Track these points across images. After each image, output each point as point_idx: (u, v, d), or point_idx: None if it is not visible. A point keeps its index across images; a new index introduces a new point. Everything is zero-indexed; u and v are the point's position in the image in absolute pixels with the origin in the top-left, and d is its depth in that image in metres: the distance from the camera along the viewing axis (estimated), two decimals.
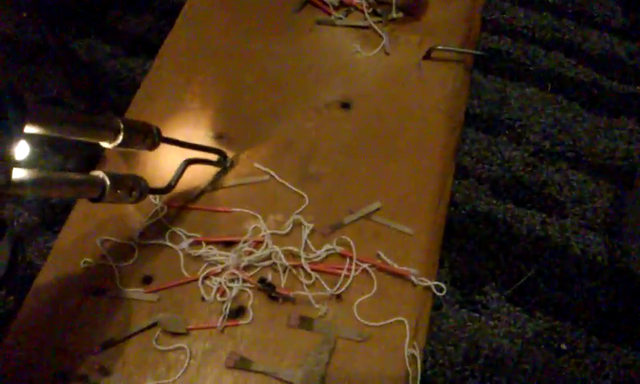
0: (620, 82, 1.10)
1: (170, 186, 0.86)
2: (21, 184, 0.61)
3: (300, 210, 0.89)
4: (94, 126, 0.71)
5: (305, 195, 0.91)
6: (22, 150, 0.60)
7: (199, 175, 0.93)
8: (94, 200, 0.74)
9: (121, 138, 0.73)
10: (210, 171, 0.93)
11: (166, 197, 0.91)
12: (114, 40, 1.21)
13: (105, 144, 0.74)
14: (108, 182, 0.73)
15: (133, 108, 1.03)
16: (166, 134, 0.83)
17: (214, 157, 0.93)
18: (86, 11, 1.28)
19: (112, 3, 1.30)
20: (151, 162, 0.95)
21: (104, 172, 0.73)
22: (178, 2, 1.18)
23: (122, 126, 0.73)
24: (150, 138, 0.79)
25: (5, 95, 0.52)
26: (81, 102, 1.06)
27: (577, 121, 1.05)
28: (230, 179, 0.94)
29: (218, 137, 0.98)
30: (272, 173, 0.93)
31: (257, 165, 0.94)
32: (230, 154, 0.94)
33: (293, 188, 0.91)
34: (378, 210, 0.89)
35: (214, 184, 0.93)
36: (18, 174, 0.60)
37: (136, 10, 1.27)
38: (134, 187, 0.77)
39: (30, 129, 0.59)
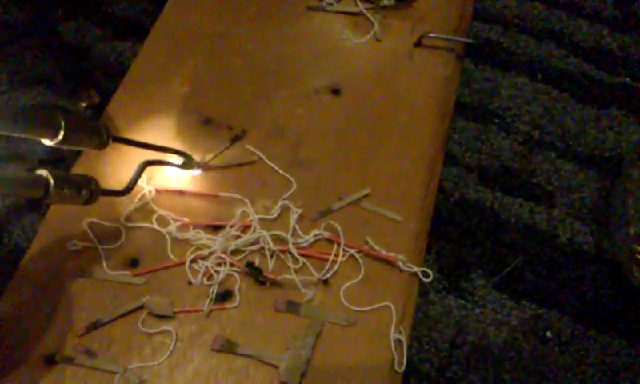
0: (610, 72, 1.11)
1: (127, 189, 0.82)
2: None
3: (288, 194, 0.89)
4: (30, 121, 0.67)
5: (292, 180, 0.90)
6: None
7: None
8: (37, 200, 0.69)
9: (62, 135, 0.69)
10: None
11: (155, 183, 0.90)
12: (102, 23, 1.20)
13: (46, 141, 0.69)
14: (52, 181, 0.69)
15: (121, 91, 1.02)
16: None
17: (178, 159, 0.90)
18: None
19: None
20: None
21: (48, 170, 0.69)
22: None
23: (62, 123, 0.69)
24: (98, 136, 0.76)
25: None
26: (68, 85, 1.05)
27: (566, 111, 1.05)
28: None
29: (207, 121, 0.97)
30: (261, 154, 0.93)
31: (247, 147, 0.94)
32: (195, 157, 0.92)
33: (280, 171, 0.91)
34: (366, 196, 0.89)
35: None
36: None
37: None
38: (82, 187, 0.74)
39: None
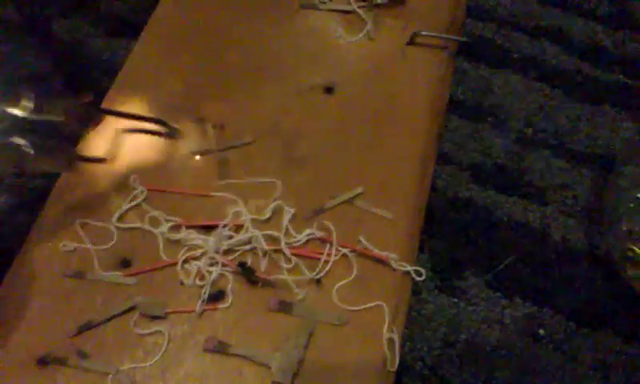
0: (603, 70, 1.11)
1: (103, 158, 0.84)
2: None
3: (278, 194, 0.89)
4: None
5: (279, 182, 0.90)
6: None
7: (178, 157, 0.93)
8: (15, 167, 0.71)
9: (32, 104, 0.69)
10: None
11: (146, 179, 0.90)
12: (96, 21, 1.20)
13: (16, 111, 0.69)
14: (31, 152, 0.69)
15: (115, 89, 1.02)
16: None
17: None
18: None
19: None
20: None
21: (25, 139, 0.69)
22: None
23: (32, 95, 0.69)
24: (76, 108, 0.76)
25: None
26: (63, 81, 1.05)
27: (559, 108, 1.05)
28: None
29: (201, 119, 0.97)
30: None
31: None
32: (175, 124, 0.94)
33: (264, 179, 0.91)
34: (359, 194, 0.89)
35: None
36: None
37: None
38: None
39: None
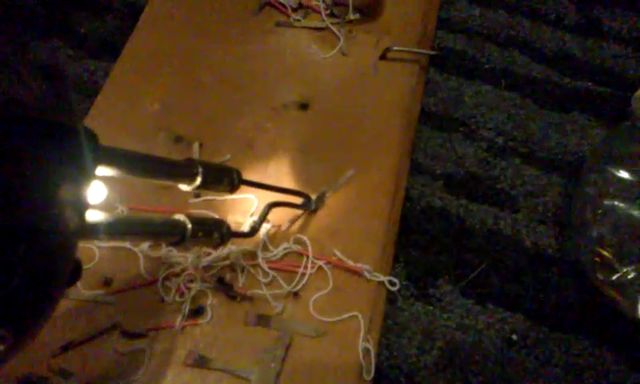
0: (572, 78, 1.13)
1: (254, 230, 0.84)
2: (96, 227, 0.56)
3: (252, 210, 0.91)
4: (169, 168, 0.68)
5: (255, 198, 0.92)
6: (98, 192, 0.57)
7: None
8: (173, 244, 0.72)
9: (199, 180, 0.70)
10: None
11: (126, 198, 0.92)
12: (76, 43, 1.22)
13: (183, 187, 0.70)
14: (189, 226, 0.70)
15: (94, 111, 1.04)
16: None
17: (297, 199, 0.91)
18: (48, 12, 1.28)
19: (74, 4, 1.29)
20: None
21: (185, 215, 0.71)
22: (142, 4, 1.18)
23: (200, 169, 0.70)
24: (229, 180, 0.76)
25: (78, 134, 0.48)
26: (40, 103, 1.06)
27: (530, 117, 1.08)
28: None
29: (177, 139, 0.99)
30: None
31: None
32: (313, 196, 0.92)
33: (241, 196, 0.92)
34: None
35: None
36: (95, 216, 0.56)
37: (99, 11, 1.27)
38: (214, 231, 0.75)
39: (102, 170, 0.55)
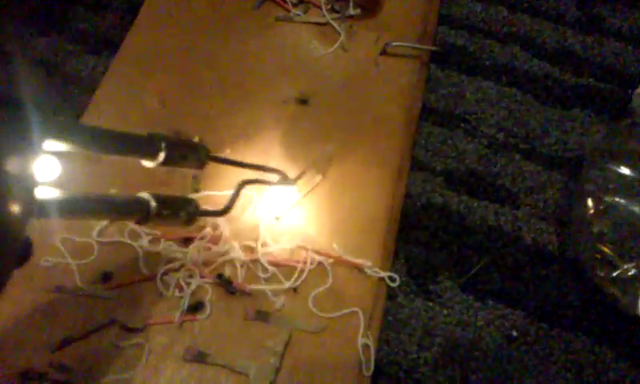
0: (573, 74, 1.13)
1: (226, 209, 0.80)
2: (47, 205, 0.53)
3: (253, 205, 0.91)
4: (129, 143, 0.65)
5: (254, 193, 0.92)
6: (50, 168, 0.53)
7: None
8: (137, 222, 0.68)
9: (162, 156, 0.67)
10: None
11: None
12: (75, 38, 1.21)
13: (146, 163, 0.68)
14: (153, 204, 0.67)
15: (93, 107, 1.03)
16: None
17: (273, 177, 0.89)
18: (47, 8, 1.27)
19: (73, 0, 1.29)
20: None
21: (149, 193, 0.68)
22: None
23: (163, 144, 0.67)
24: (196, 156, 0.74)
25: (21, 105, 0.45)
26: (37, 100, 1.06)
27: (530, 113, 1.07)
28: None
29: (176, 134, 0.99)
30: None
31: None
32: (290, 174, 0.91)
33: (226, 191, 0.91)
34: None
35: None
36: (48, 194, 0.53)
37: (98, 6, 1.26)
38: (181, 209, 0.72)
39: (54, 145, 0.52)
